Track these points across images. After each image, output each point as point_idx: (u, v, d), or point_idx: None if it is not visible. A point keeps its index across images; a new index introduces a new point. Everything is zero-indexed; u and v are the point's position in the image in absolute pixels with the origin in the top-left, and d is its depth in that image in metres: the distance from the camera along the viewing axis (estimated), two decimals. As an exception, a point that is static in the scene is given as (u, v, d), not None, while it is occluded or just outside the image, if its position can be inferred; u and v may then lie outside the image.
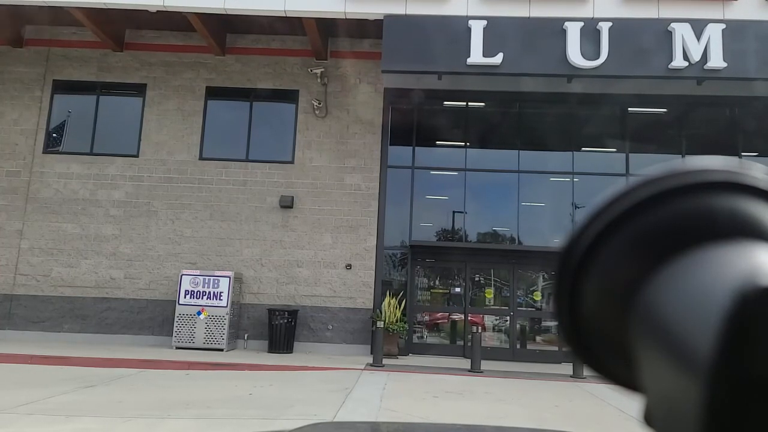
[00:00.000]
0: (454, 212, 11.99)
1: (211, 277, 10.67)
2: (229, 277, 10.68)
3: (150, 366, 8.48)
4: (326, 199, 11.57)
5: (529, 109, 12.01)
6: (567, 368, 9.60)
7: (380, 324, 9.78)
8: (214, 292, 10.59)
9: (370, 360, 9.68)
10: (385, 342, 10.40)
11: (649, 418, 0.26)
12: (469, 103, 12.19)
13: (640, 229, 0.29)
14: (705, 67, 9.44)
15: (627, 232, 0.29)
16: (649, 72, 9.53)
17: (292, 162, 11.77)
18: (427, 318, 11.91)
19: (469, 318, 11.47)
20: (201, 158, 11.79)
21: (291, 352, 10.67)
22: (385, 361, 9.70)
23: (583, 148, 11.97)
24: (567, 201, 11.67)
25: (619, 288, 0.29)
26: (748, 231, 0.27)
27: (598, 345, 0.31)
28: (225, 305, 10.55)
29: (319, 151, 11.78)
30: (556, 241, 11.64)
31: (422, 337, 11.68)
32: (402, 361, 10.34)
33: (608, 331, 0.29)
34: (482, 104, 12.27)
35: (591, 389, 7.71)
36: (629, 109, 11.68)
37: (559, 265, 0.30)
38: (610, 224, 0.29)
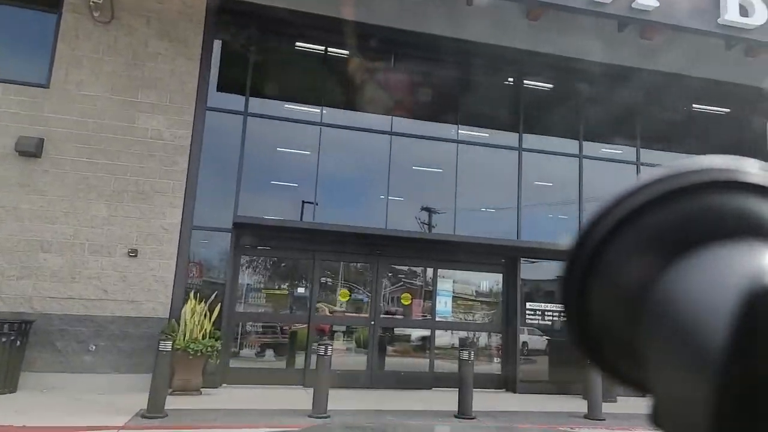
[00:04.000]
0: (303, 181, 8.62)
1: None
2: None
3: None
4: (103, 147, 7.46)
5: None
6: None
7: (170, 344, 6.07)
8: None
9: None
10: (181, 371, 6.76)
11: (657, 418, 0.26)
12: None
13: (647, 230, 0.29)
14: None
15: (634, 232, 0.29)
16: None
17: (45, 85, 7.43)
18: (255, 329, 8.41)
19: (314, 327, 8.29)
20: None
21: (14, 391, 6.41)
22: (177, 401, 6.09)
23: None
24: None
25: (627, 288, 0.28)
26: (755, 230, 0.27)
27: (607, 344, 0.30)
28: None
29: (96, 74, 7.60)
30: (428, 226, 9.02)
31: (240, 355, 8.13)
32: (207, 399, 6.73)
33: (616, 331, 0.29)
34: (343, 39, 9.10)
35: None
36: None
37: (568, 264, 0.30)
38: (617, 224, 0.29)
